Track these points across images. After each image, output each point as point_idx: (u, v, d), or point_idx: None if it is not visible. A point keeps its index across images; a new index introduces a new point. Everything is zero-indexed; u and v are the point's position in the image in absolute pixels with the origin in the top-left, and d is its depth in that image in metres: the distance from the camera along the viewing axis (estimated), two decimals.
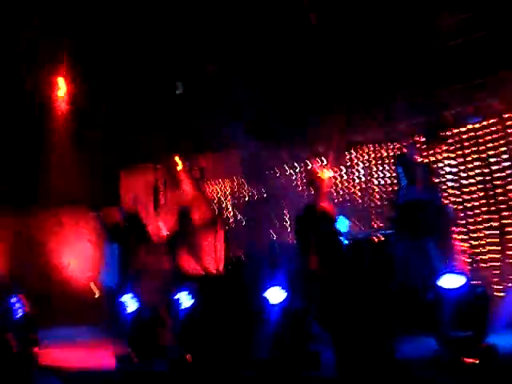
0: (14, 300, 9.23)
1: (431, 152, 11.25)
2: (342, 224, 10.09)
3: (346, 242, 9.08)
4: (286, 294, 5.90)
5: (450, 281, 4.97)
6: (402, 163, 8.12)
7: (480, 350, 4.74)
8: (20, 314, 9.07)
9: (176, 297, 6.88)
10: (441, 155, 11.29)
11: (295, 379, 5.36)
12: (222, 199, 14.27)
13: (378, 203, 11.94)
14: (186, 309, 6.62)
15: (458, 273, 5.05)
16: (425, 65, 10.25)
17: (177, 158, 14.13)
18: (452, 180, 11.05)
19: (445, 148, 11.28)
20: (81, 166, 14.14)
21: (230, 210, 14.11)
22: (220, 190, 14.45)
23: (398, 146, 11.69)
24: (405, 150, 9.91)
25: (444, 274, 5.12)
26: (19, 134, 13.30)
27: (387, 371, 4.89)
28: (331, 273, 6.75)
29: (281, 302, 5.84)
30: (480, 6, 9.61)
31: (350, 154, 12.51)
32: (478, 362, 4.61)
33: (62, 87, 12.69)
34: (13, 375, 7.30)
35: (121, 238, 10.22)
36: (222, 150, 13.94)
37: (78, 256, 14.68)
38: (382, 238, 9.35)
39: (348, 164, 12.50)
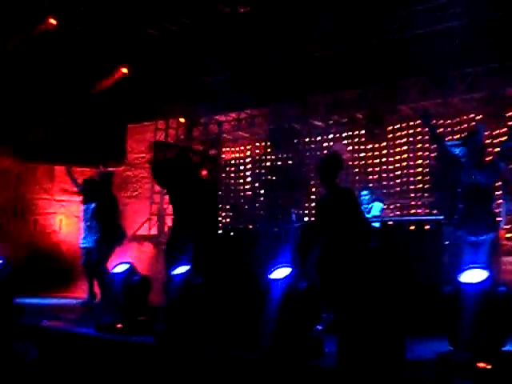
0: None
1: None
2: (375, 207, 10.54)
3: (377, 224, 9.36)
4: (290, 269, 6.12)
5: (471, 275, 5.20)
6: (470, 142, 8.02)
7: (496, 355, 5.02)
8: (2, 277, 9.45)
9: (175, 271, 7.17)
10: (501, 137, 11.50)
11: (295, 368, 5.64)
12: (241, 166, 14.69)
13: (420, 186, 12.23)
14: (181, 278, 6.92)
15: (481, 267, 5.27)
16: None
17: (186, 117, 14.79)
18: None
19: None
20: (81, 117, 14.79)
21: (250, 178, 14.54)
22: (239, 153, 14.85)
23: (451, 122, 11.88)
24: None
25: (468, 268, 5.34)
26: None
27: (392, 369, 5.22)
28: (349, 257, 7.09)
29: (284, 278, 6.06)
30: None
31: (393, 127, 12.80)
32: (491, 367, 4.90)
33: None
34: None
35: (100, 197, 10.59)
36: (243, 109, 14.39)
37: (69, 216, 15.11)
38: (427, 227, 9.50)
39: (390, 137, 12.80)
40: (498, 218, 8.04)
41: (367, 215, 10.30)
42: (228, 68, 12.72)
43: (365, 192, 10.69)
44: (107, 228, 10.32)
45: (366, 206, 10.51)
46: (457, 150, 8.27)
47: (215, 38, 12.40)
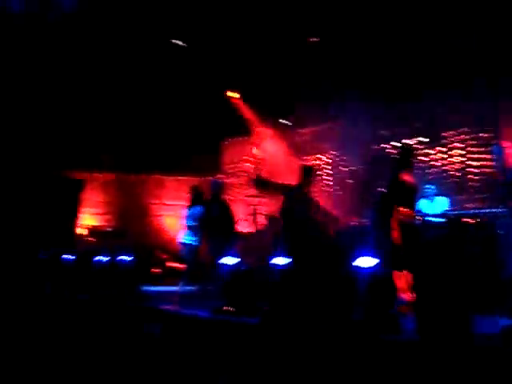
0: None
1: None
2: (440, 201, 10.29)
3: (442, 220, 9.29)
4: (376, 260, 6.28)
5: None
6: None
7: None
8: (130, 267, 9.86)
9: (273, 260, 7.35)
10: None
11: (377, 341, 5.79)
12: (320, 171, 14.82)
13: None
14: (281, 268, 7.11)
15: None
16: None
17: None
18: None
19: None
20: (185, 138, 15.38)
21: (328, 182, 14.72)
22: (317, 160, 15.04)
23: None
24: None
25: None
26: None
27: (461, 341, 5.32)
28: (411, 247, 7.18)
29: (370, 268, 6.22)
30: None
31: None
32: None
33: None
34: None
35: (208, 203, 10.75)
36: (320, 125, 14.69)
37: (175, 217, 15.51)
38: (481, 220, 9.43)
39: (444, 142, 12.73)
40: None
41: (429, 208, 10.09)
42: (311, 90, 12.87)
43: (429, 186, 10.46)
44: (214, 229, 10.44)
45: (429, 198, 10.28)
46: None
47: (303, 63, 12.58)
